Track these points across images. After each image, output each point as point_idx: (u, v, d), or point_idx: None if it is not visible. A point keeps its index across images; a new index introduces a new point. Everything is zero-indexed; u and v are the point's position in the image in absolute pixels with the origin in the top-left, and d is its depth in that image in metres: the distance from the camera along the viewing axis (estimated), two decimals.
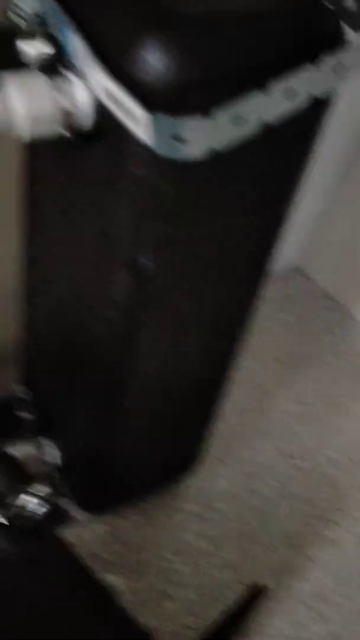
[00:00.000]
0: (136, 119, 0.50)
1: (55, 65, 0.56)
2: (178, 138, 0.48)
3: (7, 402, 1.01)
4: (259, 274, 0.76)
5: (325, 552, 1.09)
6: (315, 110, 0.56)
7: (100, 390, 0.84)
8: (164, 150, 0.50)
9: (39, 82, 0.54)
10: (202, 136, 0.49)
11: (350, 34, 0.53)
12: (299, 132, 0.59)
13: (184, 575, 1.01)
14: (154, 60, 0.50)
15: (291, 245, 1.07)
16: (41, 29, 0.57)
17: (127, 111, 0.50)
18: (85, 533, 1.01)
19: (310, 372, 1.37)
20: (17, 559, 0.66)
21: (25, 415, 1.01)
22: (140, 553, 1.02)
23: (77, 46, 0.54)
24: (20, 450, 0.97)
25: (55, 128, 0.55)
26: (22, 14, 0.57)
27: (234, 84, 0.51)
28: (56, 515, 0.77)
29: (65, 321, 0.84)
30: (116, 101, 0.51)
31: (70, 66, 0.55)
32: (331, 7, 0.54)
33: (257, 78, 0.50)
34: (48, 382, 0.99)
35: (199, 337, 0.78)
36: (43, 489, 0.79)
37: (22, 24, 0.57)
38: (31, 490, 0.79)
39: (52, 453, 1.00)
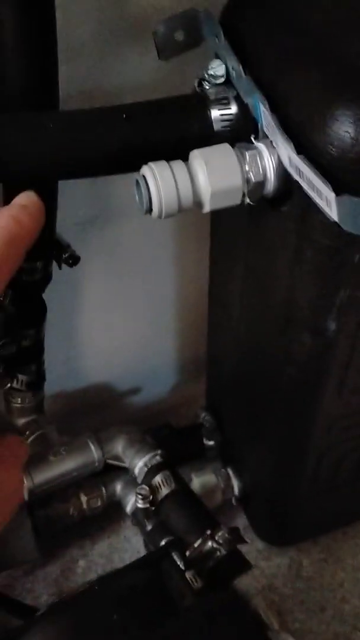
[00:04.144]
0: (323, 197, 0.48)
1: (246, 135, 0.55)
2: None
3: (192, 429, 1.03)
4: None
5: None
6: None
7: (282, 430, 0.83)
8: (351, 228, 0.47)
9: (226, 155, 0.53)
10: None
11: None
12: None
13: None
14: (344, 135, 0.47)
15: None
16: (233, 97, 0.56)
17: (314, 187, 0.48)
18: (264, 564, 1.01)
19: None
20: (192, 612, 0.66)
21: (208, 443, 1.02)
22: (322, 592, 1.00)
23: (264, 115, 0.52)
24: (202, 479, 0.99)
25: (237, 200, 0.54)
26: (214, 81, 0.56)
27: None
28: (235, 562, 0.77)
29: (246, 364, 0.84)
30: (303, 176, 0.49)
31: (261, 135, 0.54)
32: None
33: None
34: (231, 411, 0.99)
35: None
36: (223, 533, 0.79)
37: (213, 93, 0.56)
38: (212, 533, 0.79)
39: (232, 483, 1.00)
